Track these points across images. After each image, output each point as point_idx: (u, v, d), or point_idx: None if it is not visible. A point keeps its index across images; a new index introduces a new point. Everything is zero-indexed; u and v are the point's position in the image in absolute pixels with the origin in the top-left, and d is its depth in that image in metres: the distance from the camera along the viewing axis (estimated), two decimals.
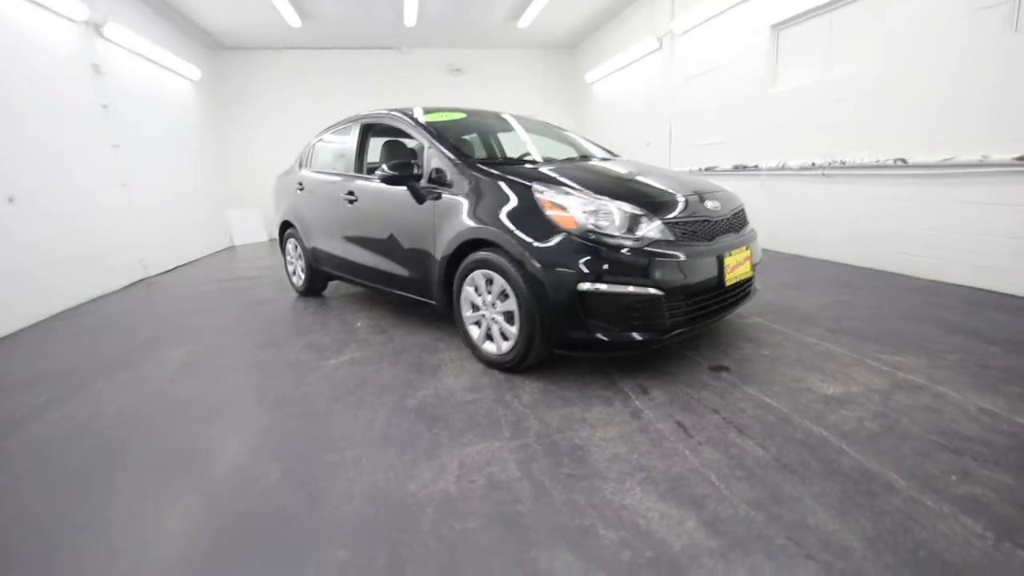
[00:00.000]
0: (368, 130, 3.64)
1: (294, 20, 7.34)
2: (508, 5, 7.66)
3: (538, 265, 2.22)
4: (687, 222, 2.36)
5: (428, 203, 2.81)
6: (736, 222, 2.64)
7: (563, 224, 2.23)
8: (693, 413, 2.02)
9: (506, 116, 3.73)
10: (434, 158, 2.85)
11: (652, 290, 2.14)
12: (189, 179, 7.55)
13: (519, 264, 2.30)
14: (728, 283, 2.39)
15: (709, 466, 1.67)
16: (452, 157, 2.78)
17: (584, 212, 2.22)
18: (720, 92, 6.06)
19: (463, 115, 3.44)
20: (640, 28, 7.64)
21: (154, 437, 2.10)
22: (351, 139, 3.70)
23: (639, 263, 2.14)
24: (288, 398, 2.38)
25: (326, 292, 4.57)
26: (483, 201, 2.53)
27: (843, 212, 4.55)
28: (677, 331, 2.24)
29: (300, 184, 4.20)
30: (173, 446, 2.02)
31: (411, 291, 3.12)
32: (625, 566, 1.27)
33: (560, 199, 2.29)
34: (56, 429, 2.20)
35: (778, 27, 5.14)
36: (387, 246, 3.21)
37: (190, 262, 7.11)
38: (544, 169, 2.66)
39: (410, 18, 7.75)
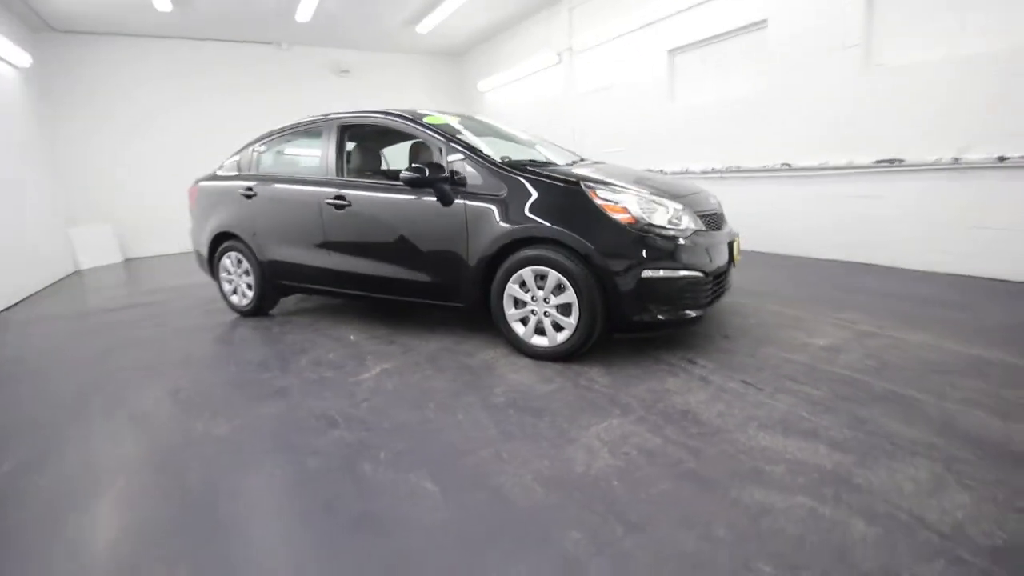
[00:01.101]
0: (345, 132, 3.43)
1: (163, 3, 6.33)
2: (411, 9, 7.60)
3: (605, 258, 2.43)
4: (706, 214, 2.78)
5: (458, 205, 2.82)
6: (723, 215, 3.15)
7: (622, 219, 2.47)
8: (746, 372, 2.42)
9: (487, 120, 3.82)
10: (459, 161, 2.86)
11: (698, 273, 2.50)
12: (16, 190, 5.99)
13: (584, 258, 2.47)
14: (735, 265, 2.87)
15: (794, 408, 2.05)
16: (482, 159, 2.82)
17: (640, 208, 2.49)
18: (622, 106, 6.83)
19: (458, 118, 3.46)
20: (538, 43, 8.18)
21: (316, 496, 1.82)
22: (326, 142, 3.45)
23: (688, 249, 2.48)
24: (358, 417, 2.22)
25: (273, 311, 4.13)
26: (530, 201, 2.63)
27: (742, 208, 5.53)
28: (707, 307, 2.63)
29: (249, 190, 3.75)
30: (349, 508, 1.78)
31: (428, 296, 3.07)
32: (807, 487, 1.56)
33: (616, 197, 2.52)
34: None
35: (674, 52, 6.02)
36: (394, 251, 3.10)
37: (35, 293, 5.70)
38: (582, 170, 2.87)
39: (304, 14, 7.23)
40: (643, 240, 2.44)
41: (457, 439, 1.98)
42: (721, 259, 2.71)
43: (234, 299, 4.06)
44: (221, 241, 4.00)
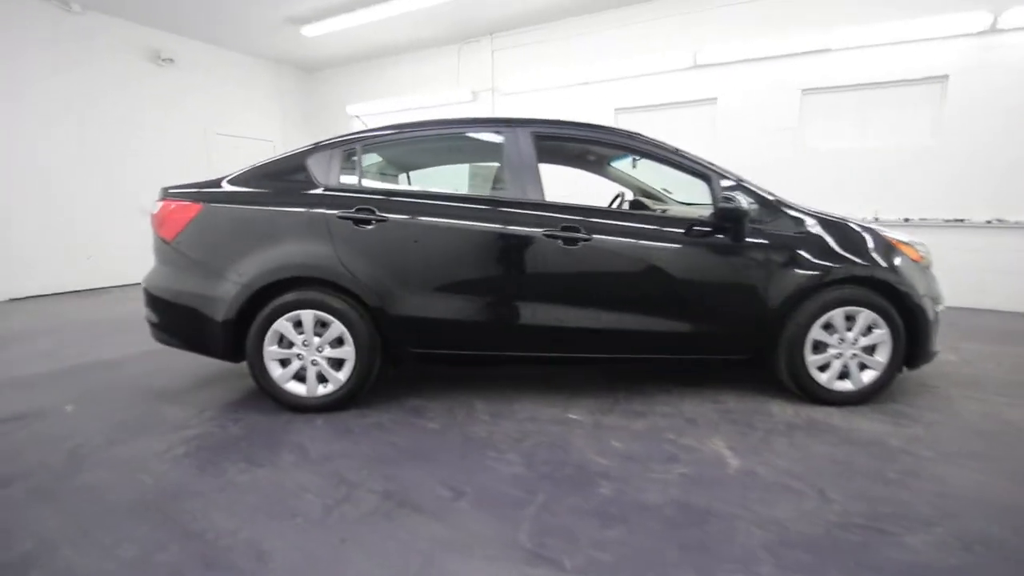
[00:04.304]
0: (540, 144, 2.58)
1: None
2: (311, 5, 6.19)
3: (921, 296, 2.51)
4: None
5: (758, 244, 2.47)
6: None
7: (915, 258, 2.61)
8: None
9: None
10: (740, 196, 2.51)
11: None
12: None
13: (902, 296, 2.49)
14: None
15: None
16: (764, 195, 2.56)
17: (920, 248, 2.67)
18: None
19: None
20: (445, 75, 7.72)
21: None
22: (514, 155, 2.52)
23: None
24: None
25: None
26: (835, 240, 2.53)
27: None
28: None
29: (364, 214, 2.40)
30: None
31: (694, 350, 2.57)
32: None
33: (905, 238, 2.64)
34: None
35: (620, 111, 6.59)
36: (652, 298, 2.50)
37: None
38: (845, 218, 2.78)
39: None
40: (931, 277, 2.64)
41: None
42: None
43: (294, 387, 2.46)
44: (276, 294, 2.40)
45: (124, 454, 2.10)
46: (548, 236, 2.41)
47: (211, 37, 7.32)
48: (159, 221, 2.52)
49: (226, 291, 2.40)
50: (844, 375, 2.58)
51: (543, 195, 2.50)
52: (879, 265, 2.51)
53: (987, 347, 3.66)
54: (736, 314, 2.52)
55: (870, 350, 2.55)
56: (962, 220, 4.99)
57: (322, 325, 2.44)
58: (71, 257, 6.30)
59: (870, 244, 2.57)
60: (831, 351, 2.54)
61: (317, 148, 2.58)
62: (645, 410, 2.56)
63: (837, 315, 2.51)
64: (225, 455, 2.10)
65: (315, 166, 2.54)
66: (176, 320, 2.54)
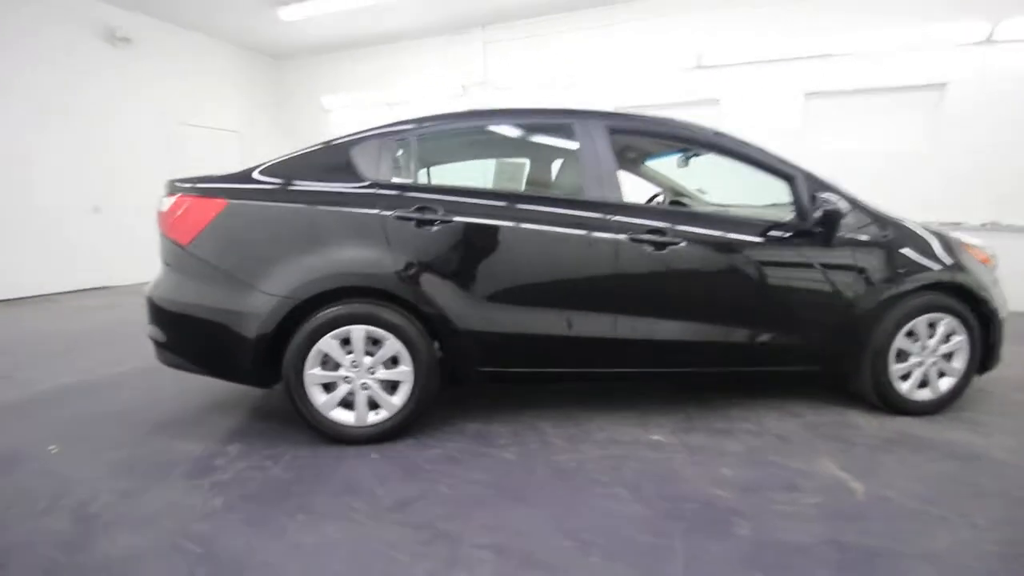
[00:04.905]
0: (613, 138, 2.33)
1: None
2: None
3: (994, 298, 2.46)
4: None
5: (846, 246, 2.33)
6: None
7: (983, 260, 2.56)
8: None
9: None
10: (827, 195, 2.36)
11: None
12: None
13: (980, 301, 2.43)
14: None
15: None
16: (851, 198, 2.42)
17: (987, 251, 2.62)
18: None
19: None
20: (433, 68, 7.34)
21: None
22: (589, 149, 2.26)
23: None
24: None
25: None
26: (918, 246, 2.44)
27: None
28: None
29: (425, 213, 2.07)
30: None
31: (777, 361, 2.40)
32: None
33: (974, 242, 2.59)
34: None
35: (620, 110, 6.45)
36: (741, 308, 2.33)
37: None
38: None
39: None
40: (997, 280, 2.60)
41: None
42: None
43: (340, 415, 2.10)
44: (317, 308, 2.04)
45: (147, 510, 1.69)
46: (635, 240, 2.17)
47: (173, 15, 6.62)
48: (170, 221, 2.09)
49: (260, 304, 2.01)
50: (922, 384, 2.49)
51: (621, 195, 2.26)
52: (961, 270, 2.44)
53: (1016, 347, 3.73)
54: (822, 322, 2.37)
55: (947, 357, 2.48)
56: (959, 223, 5.15)
57: (373, 343, 2.10)
58: (14, 259, 5.51)
59: (949, 248, 2.50)
60: (912, 359, 2.45)
61: (363, 137, 2.22)
62: (727, 427, 2.37)
63: (921, 322, 2.42)
64: (277, 505, 1.73)
65: (361, 157, 2.18)
66: (192, 338, 2.13)
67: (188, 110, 7.15)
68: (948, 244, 2.51)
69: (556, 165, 2.64)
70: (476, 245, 2.13)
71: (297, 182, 2.13)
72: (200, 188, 2.09)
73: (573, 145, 2.30)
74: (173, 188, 2.13)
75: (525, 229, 2.16)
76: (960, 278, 2.43)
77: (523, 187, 2.62)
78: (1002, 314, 2.50)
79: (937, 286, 2.42)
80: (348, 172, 2.16)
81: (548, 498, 1.79)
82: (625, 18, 6.17)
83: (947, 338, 2.44)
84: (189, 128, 7.16)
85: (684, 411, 2.53)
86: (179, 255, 2.09)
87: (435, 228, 2.09)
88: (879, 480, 1.90)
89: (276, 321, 2.00)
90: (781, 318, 2.36)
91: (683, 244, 2.21)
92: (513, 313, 2.15)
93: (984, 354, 2.49)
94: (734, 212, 2.93)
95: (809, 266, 2.34)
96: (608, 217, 2.19)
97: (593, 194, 2.23)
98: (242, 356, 2.05)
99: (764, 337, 2.36)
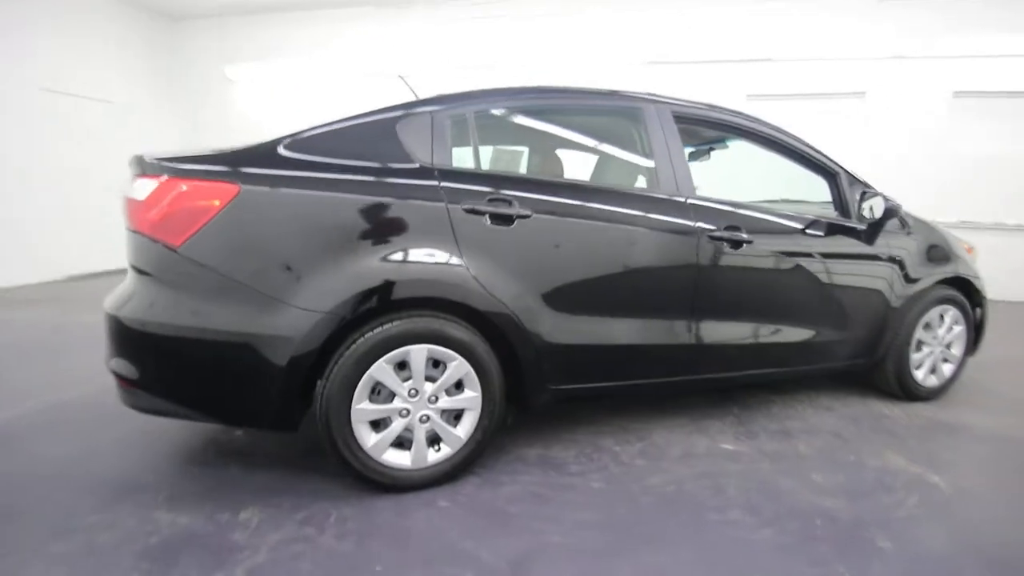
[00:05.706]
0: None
1: None
2: None
3: (983, 287, 2.72)
4: None
5: (881, 240, 2.40)
6: None
7: (969, 252, 2.81)
8: None
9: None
10: (864, 192, 2.39)
11: None
12: None
13: (974, 291, 2.67)
14: None
15: None
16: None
17: (967, 243, 2.87)
18: None
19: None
20: (367, 44, 6.61)
21: None
22: (658, 139, 2.04)
23: None
24: None
25: None
26: (937, 242, 2.61)
27: None
28: None
29: (501, 206, 1.73)
30: None
31: (827, 358, 2.44)
32: None
33: (955, 234, 2.82)
34: None
35: None
36: (802, 305, 2.31)
37: None
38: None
39: None
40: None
41: None
42: None
43: (394, 458, 1.68)
44: (364, 324, 1.60)
45: None
46: (714, 239, 2.01)
47: None
48: (150, 214, 1.50)
49: (292, 323, 1.52)
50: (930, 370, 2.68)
51: (693, 190, 2.09)
52: (965, 262, 2.66)
53: None
54: (869, 317, 2.44)
55: (947, 344, 2.69)
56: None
57: (434, 365, 1.71)
58: None
59: (956, 242, 2.70)
60: (925, 349, 2.61)
61: (410, 110, 1.78)
62: (780, 427, 2.33)
63: (935, 314, 2.59)
64: None
65: (408, 134, 1.75)
66: (187, 373, 1.57)
67: (55, 75, 5.66)
68: (953, 239, 2.73)
69: (624, 155, 2.40)
70: (559, 245, 1.83)
71: (332, 162, 1.65)
72: (197, 170, 1.53)
73: (642, 133, 2.09)
74: (153, 167, 1.53)
75: (613, 228, 1.90)
76: (963, 270, 2.64)
77: (593, 178, 2.37)
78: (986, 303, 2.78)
79: (950, 279, 2.61)
80: (393, 151, 1.73)
81: (676, 534, 1.57)
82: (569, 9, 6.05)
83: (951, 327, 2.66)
84: (58, 96, 5.67)
85: (730, 413, 2.46)
86: (166, 260, 1.51)
87: (512, 225, 1.75)
88: (951, 473, 1.96)
89: (318, 342, 1.54)
90: (839, 314, 2.38)
91: (756, 241, 2.10)
92: (596, 323, 1.89)
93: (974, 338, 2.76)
94: (796, 208, 2.93)
95: (865, 261, 2.39)
96: (688, 213, 2.01)
97: (668, 188, 2.04)
98: (267, 392, 1.55)
99: (826, 335, 2.37)
